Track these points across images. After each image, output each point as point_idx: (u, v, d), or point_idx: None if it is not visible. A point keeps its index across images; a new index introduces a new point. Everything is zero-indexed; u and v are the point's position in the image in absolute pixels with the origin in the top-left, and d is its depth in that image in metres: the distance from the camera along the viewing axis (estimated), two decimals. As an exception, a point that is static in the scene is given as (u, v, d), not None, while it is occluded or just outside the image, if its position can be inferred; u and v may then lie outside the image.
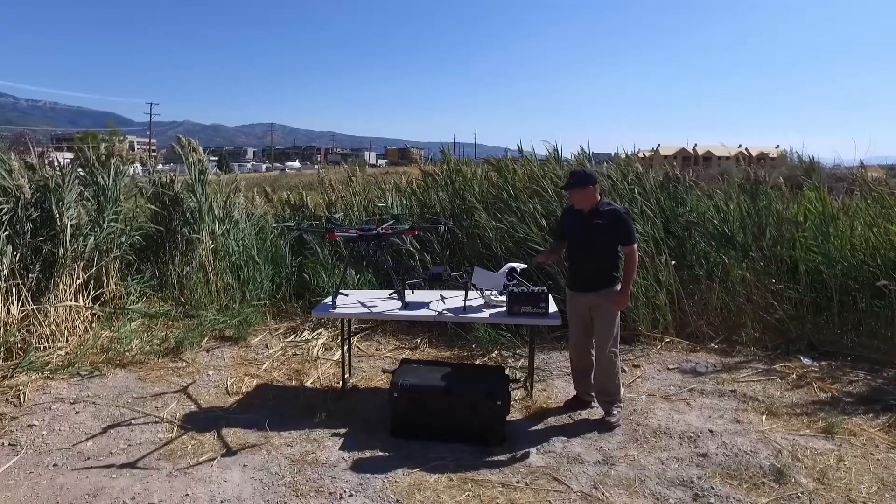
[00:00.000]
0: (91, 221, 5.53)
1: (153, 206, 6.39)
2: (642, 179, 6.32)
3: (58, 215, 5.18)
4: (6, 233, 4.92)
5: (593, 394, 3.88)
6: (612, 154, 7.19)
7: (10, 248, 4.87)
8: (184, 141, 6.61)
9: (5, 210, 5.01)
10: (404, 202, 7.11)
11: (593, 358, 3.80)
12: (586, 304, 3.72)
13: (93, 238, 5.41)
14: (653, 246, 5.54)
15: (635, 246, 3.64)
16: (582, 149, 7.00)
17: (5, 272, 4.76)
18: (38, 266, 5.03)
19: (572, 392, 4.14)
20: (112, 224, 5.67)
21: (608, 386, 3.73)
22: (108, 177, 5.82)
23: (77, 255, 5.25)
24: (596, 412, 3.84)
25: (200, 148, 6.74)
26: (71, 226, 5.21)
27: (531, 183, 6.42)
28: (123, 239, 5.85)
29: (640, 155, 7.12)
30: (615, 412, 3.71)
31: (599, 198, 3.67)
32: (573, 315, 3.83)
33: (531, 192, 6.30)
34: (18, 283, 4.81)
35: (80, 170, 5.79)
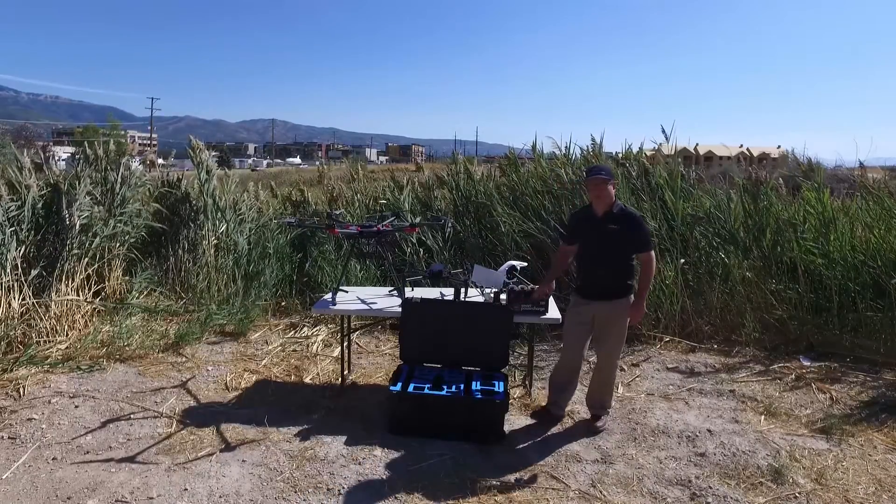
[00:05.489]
0: (100, 220, 5.55)
1: (158, 205, 6.42)
2: (648, 175, 6.32)
3: (67, 214, 5.19)
4: (12, 229, 4.93)
5: (587, 403, 3.76)
6: (615, 152, 7.15)
7: (14, 243, 4.89)
8: (195, 143, 6.81)
9: (13, 207, 5.03)
10: (407, 200, 7.13)
11: (580, 368, 3.69)
12: (591, 313, 3.54)
13: (98, 238, 5.42)
14: (657, 242, 5.53)
15: (652, 252, 3.45)
16: (593, 140, 6.82)
17: (8, 267, 4.77)
18: (41, 261, 5.03)
19: (571, 391, 4.14)
20: (119, 223, 5.69)
21: (604, 395, 3.66)
22: (118, 175, 5.86)
23: (83, 251, 5.27)
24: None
25: (206, 149, 6.90)
26: (80, 224, 5.23)
27: (542, 183, 6.42)
28: (127, 237, 5.86)
29: (643, 154, 7.09)
30: (603, 418, 3.66)
31: (614, 199, 3.48)
32: (574, 322, 3.58)
33: (542, 190, 6.31)
34: (20, 278, 4.82)
35: (91, 169, 5.85)
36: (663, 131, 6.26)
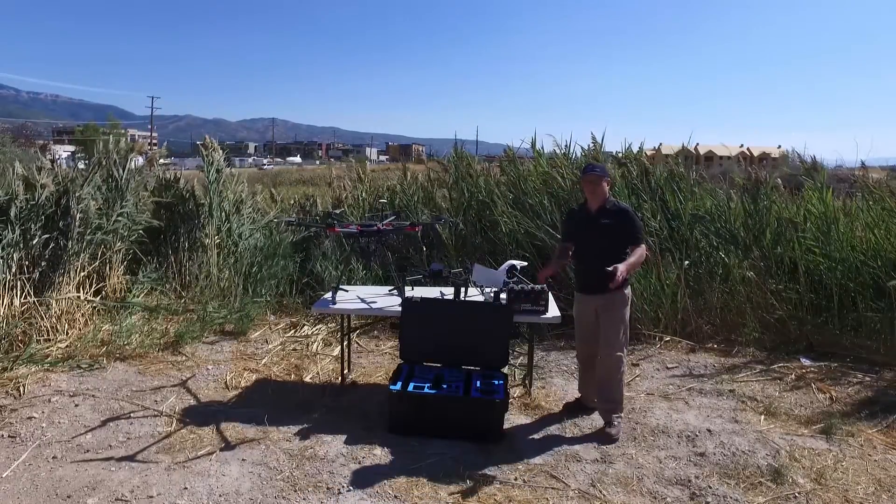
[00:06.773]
0: (99, 212, 5.53)
1: (159, 199, 6.39)
2: (648, 175, 6.31)
3: (75, 210, 5.18)
4: (22, 227, 4.93)
5: (597, 404, 3.72)
6: (615, 152, 7.13)
7: (22, 242, 4.89)
8: (207, 140, 6.72)
9: (24, 206, 5.02)
10: (408, 199, 7.13)
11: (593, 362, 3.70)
12: (593, 307, 3.60)
13: (100, 232, 5.41)
14: (657, 242, 5.53)
15: (643, 246, 3.53)
16: (594, 138, 6.80)
17: (14, 266, 4.77)
18: (44, 260, 5.02)
19: (571, 390, 4.15)
20: (119, 218, 5.68)
21: (610, 391, 3.58)
22: (123, 171, 5.85)
23: (84, 246, 5.26)
24: (596, 417, 3.71)
25: (220, 149, 6.76)
26: (80, 217, 5.22)
27: (542, 182, 6.41)
28: (127, 233, 5.85)
29: (644, 154, 7.08)
30: (616, 422, 3.54)
31: (608, 195, 3.61)
32: (580, 319, 3.71)
33: (542, 189, 6.30)
34: (22, 276, 4.82)
35: (100, 168, 5.84)
36: (683, 146, 6.32)
